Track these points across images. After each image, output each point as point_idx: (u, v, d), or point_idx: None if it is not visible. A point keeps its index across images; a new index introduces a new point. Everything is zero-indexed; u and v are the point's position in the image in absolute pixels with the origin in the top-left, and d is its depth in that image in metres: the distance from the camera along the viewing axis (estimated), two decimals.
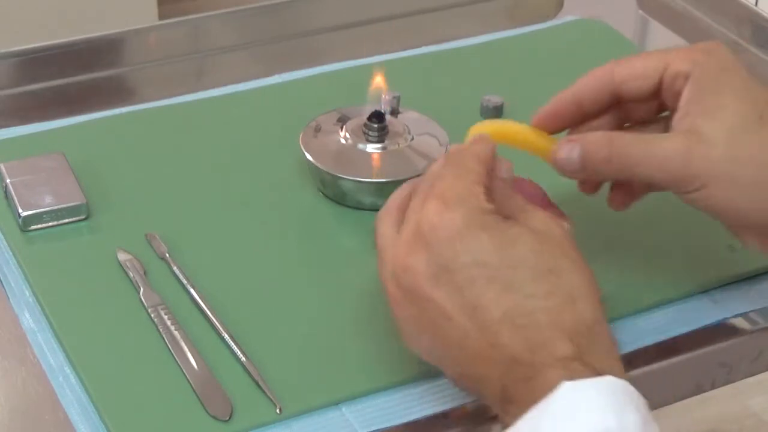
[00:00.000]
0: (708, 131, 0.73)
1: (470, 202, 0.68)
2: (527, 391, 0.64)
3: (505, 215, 0.70)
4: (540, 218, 0.70)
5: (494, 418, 0.75)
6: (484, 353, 0.66)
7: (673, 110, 0.76)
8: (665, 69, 0.76)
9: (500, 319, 0.66)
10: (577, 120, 0.79)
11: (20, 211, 0.86)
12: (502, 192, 0.71)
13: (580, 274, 0.67)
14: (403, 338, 0.71)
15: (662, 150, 0.73)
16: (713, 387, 0.81)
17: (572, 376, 0.63)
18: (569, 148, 0.75)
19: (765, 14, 1.12)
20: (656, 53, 0.77)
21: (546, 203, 0.78)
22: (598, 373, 0.63)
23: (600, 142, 0.74)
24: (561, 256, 0.67)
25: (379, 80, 0.93)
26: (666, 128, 0.77)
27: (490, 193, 0.70)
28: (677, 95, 0.76)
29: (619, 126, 0.79)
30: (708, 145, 0.72)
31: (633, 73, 0.77)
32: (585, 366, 0.64)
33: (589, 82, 0.78)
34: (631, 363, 0.78)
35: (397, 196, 0.74)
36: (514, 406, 0.65)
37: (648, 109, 0.79)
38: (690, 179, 0.73)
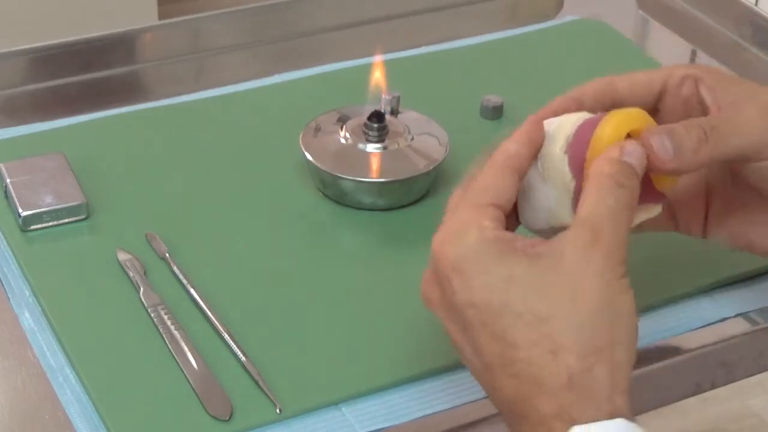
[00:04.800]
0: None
1: (467, 234, 0.66)
2: None
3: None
4: (580, 240, 0.65)
5: (492, 418, 0.75)
6: (491, 392, 0.66)
7: (677, 111, 0.75)
8: (668, 76, 0.75)
9: (493, 363, 0.65)
10: None
11: (20, 211, 0.86)
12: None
13: (579, 320, 0.63)
14: None
15: (746, 118, 0.71)
16: (713, 387, 0.81)
17: None
18: (659, 138, 0.70)
19: (765, 14, 1.12)
20: (656, 69, 0.76)
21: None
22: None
23: (687, 124, 0.71)
24: (563, 300, 0.64)
25: (378, 78, 0.93)
26: None
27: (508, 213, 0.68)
28: (686, 100, 0.74)
29: None
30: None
31: (634, 80, 0.76)
32: (564, 423, 0.62)
33: (589, 88, 0.76)
34: None
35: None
36: None
37: None
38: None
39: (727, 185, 0.75)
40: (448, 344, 0.77)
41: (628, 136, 0.70)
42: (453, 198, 0.72)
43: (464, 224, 0.67)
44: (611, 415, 0.62)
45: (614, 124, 0.70)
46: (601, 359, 0.63)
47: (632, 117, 0.71)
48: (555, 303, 0.64)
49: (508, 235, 0.67)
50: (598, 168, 0.68)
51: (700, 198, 0.76)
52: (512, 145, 0.70)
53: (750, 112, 0.71)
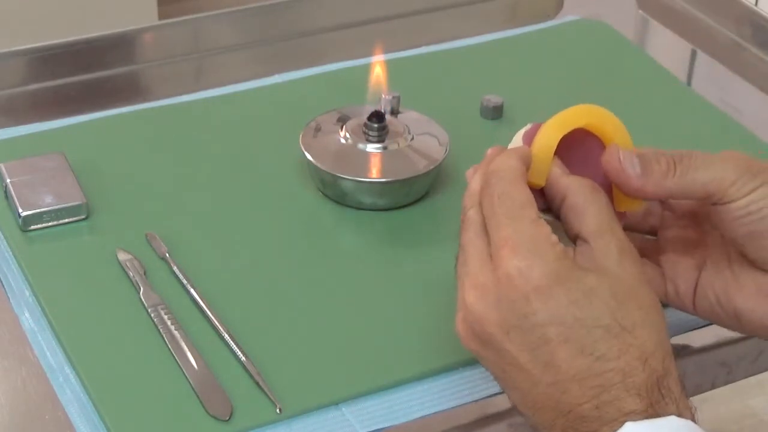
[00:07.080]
0: None
1: (544, 252, 0.65)
2: None
3: (577, 236, 0.68)
4: (612, 251, 0.67)
5: (492, 418, 0.75)
6: (550, 403, 0.65)
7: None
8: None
9: (571, 378, 0.65)
10: None
11: (20, 211, 0.86)
12: (570, 214, 0.69)
13: (651, 325, 0.66)
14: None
15: (717, 157, 0.70)
16: (713, 387, 0.81)
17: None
18: (629, 156, 0.70)
19: (765, 14, 1.12)
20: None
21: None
22: None
23: (657, 152, 0.71)
24: (635, 309, 0.65)
25: (378, 76, 0.93)
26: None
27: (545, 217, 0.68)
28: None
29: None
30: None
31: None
32: (648, 417, 0.63)
33: None
34: None
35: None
36: None
37: None
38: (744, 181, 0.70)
39: (719, 246, 0.74)
40: (447, 344, 0.77)
41: (582, 131, 0.71)
42: (470, 242, 0.69)
43: (533, 243, 0.66)
44: (687, 410, 0.65)
45: (554, 124, 0.71)
46: (671, 358, 0.66)
47: (572, 116, 0.72)
48: (632, 311, 0.65)
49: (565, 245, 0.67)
50: (576, 180, 0.69)
51: (693, 264, 0.75)
52: (513, 161, 0.69)
53: (722, 154, 0.70)
